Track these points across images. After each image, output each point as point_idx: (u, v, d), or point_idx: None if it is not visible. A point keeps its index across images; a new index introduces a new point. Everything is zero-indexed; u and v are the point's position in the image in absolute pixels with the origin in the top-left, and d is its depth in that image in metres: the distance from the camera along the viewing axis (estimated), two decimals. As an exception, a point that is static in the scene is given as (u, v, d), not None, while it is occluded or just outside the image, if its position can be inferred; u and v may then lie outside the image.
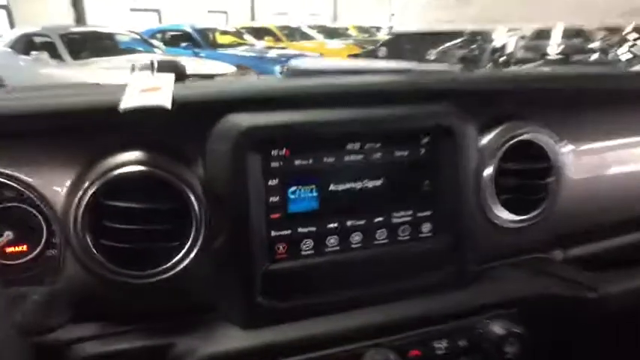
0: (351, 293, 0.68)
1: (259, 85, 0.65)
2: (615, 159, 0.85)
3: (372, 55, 7.05)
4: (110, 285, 0.59)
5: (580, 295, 0.75)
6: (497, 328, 0.68)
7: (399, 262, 0.70)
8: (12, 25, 10.06)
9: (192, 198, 0.60)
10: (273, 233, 0.64)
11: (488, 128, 0.74)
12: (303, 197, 0.65)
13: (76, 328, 0.61)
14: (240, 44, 8.97)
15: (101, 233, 0.58)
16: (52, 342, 0.59)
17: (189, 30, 8.85)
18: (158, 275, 0.60)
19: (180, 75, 0.64)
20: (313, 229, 0.66)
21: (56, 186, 0.59)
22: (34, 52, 6.01)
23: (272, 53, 7.97)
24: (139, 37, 7.35)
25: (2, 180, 0.57)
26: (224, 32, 9.51)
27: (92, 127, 0.60)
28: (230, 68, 6.24)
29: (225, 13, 15.88)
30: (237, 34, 9.68)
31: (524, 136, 0.73)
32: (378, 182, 0.68)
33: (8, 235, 0.59)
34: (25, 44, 6.46)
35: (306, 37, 12.06)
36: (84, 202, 0.57)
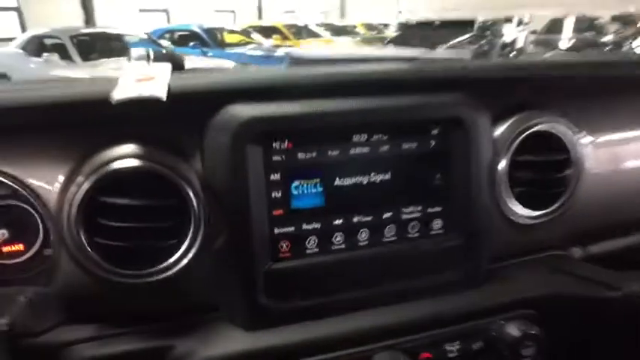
0: (358, 293, 0.65)
1: (260, 75, 0.62)
2: (637, 151, 0.81)
3: (379, 51, 7.01)
4: (106, 285, 0.57)
5: (601, 294, 0.71)
6: (513, 330, 0.65)
7: (409, 260, 0.67)
8: (23, 26, 10.18)
9: (191, 193, 0.57)
10: (275, 230, 0.61)
11: (502, 118, 0.71)
12: (306, 192, 0.62)
13: (71, 330, 0.59)
14: (247, 43, 9.01)
15: (96, 231, 0.55)
16: (46, 344, 0.57)
17: (197, 30, 8.91)
18: (156, 275, 0.57)
19: (178, 66, 0.61)
20: (318, 226, 0.63)
21: (49, 182, 0.56)
22: (45, 54, 6.07)
23: (280, 52, 7.96)
24: (147, 37, 7.39)
25: None
26: (232, 31, 9.55)
27: (85, 120, 0.57)
28: (237, 67, 6.26)
29: (233, 12, 15.91)
30: (245, 33, 9.70)
31: (541, 127, 0.70)
32: (386, 176, 0.64)
33: (3, 233, 0.57)
34: (36, 46, 6.54)
35: (313, 35, 12.05)
36: (78, 199, 0.54)
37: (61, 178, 0.56)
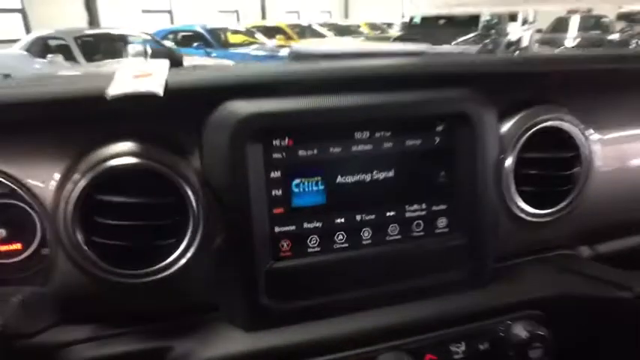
0: (361, 293, 0.64)
1: (260, 71, 0.61)
2: None
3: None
4: (103, 285, 0.56)
5: (612, 294, 0.70)
6: (520, 331, 0.64)
7: (413, 259, 0.66)
8: (27, 28, 10.23)
9: (189, 192, 0.56)
10: (276, 229, 0.60)
11: (509, 114, 0.69)
12: (308, 190, 0.60)
13: (69, 331, 0.58)
14: (251, 43, 9.01)
15: (93, 230, 0.54)
16: (43, 344, 0.56)
17: (201, 30, 8.92)
18: (154, 274, 0.56)
19: (176, 62, 0.60)
20: (319, 224, 0.62)
21: (45, 180, 0.55)
22: (49, 55, 6.10)
23: (283, 52, 7.96)
24: (150, 38, 7.41)
25: None
26: (235, 31, 9.55)
27: (82, 117, 0.56)
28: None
29: (236, 12, 15.93)
30: (249, 33, 9.71)
31: (549, 123, 0.68)
32: (389, 174, 0.63)
33: (1, 232, 0.56)
34: (41, 47, 6.57)
35: (317, 35, 12.05)
36: (74, 196, 0.53)
37: (57, 176, 0.55)
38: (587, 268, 0.75)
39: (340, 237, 0.63)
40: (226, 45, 8.79)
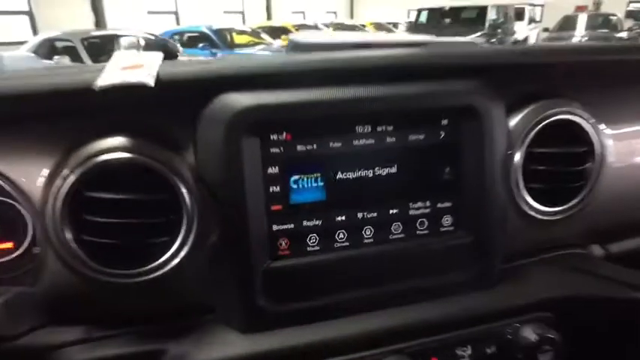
0: (362, 294, 0.62)
1: (257, 62, 0.59)
2: None
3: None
4: (93, 285, 0.54)
5: (625, 295, 0.67)
6: (529, 333, 0.62)
7: (417, 259, 0.64)
8: (35, 30, 10.30)
9: (183, 188, 0.54)
10: (274, 227, 0.58)
11: (518, 108, 0.67)
12: (307, 187, 0.58)
13: (59, 332, 0.57)
14: (257, 44, 9.04)
15: (83, 228, 0.53)
16: (32, 347, 0.55)
17: (206, 31, 8.95)
18: (146, 274, 0.54)
19: (171, 55, 0.58)
20: (319, 222, 0.60)
21: (33, 176, 0.54)
22: (56, 57, 6.15)
23: (288, 52, 7.94)
24: (154, 39, 7.44)
25: None
26: (241, 32, 9.58)
27: (71, 110, 0.54)
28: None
29: (242, 13, 15.96)
30: (254, 33, 9.74)
31: (560, 117, 0.65)
32: (392, 170, 0.61)
33: None
34: (48, 49, 6.64)
35: (322, 35, 11.99)
36: (63, 193, 0.51)
37: (46, 172, 0.54)
38: (599, 268, 0.73)
39: (341, 235, 0.61)
40: (232, 46, 8.82)
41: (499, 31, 9.30)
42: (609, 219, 0.76)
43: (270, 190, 0.57)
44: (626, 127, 0.74)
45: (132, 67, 0.51)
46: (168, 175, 0.53)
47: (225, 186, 0.55)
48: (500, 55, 0.68)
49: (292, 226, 0.59)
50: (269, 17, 16.34)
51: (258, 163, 0.55)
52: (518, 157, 0.65)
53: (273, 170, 0.57)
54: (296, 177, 0.58)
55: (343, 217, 0.60)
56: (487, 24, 9.07)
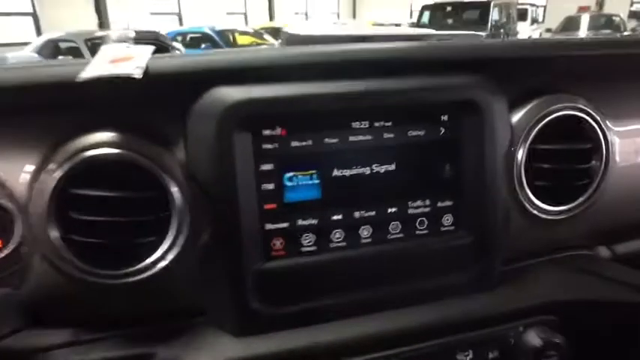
0: (359, 296, 0.60)
1: (250, 55, 0.57)
2: None
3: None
4: (80, 285, 0.52)
5: (632, 298, 0.65)
6: (533, 338, 0.60)
7: (416, 259, 0.62)
8: (39, 31, 10.33)
9: (173, 186, 0.52)
10: (267, 226, 0.56)
11: (520, 103, 0.65)
12: (301, 184, 0.56)
13: (45, 335, 0.55)
14: (259, 44, 9.04)
15: (69, 226, 0.51)
16: (17, 349, 0.53)
17: (209, 32, 8.97)
18: (134, 275, 0.53)
19: (163, 49, 0.56)
20: (315, 221, 0.57)
21: (18, 172, 0.52)
22: (60, 58, 6.17)
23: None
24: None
25: None
26: (243, 33, 9.59)
27: (57, 104, 0.53)
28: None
29: (244, 14, 15.98)
30: (257, 34, 9.74)
31: (564, 112, 0.63)
32: (391, 167, 0.59)
33: None
34: (51, 49, 6.68)
35: (325, 36, 12.01)
36: (49, 189, 0.50)
37: (32, 168, 0.52)
38: (605, 269, 0.71)
39: (337, 235, 0.59)
40: (234, 46, 8.84)
41: (502, 31, 9.27)
42: (616, 219, 0.74)
43: (264, 187, 0.55)
44: (633, 124, 0.72)
45: (120, 60, 0.49)
46: (157, 172, 0.52)
47: (217, 183, 0.53)
48: (503, 48, 0.66)
49: (287, 225, 0.57)
50: (271, 18, 16.34)
51: (250, 159, 0.53)
52: (521, 153, 0.63)
53: (266, 167, 0.55)
54: (290, 174, 0.56)
55: (340, 216, 0.58)
56: (490, 24, 9.03)
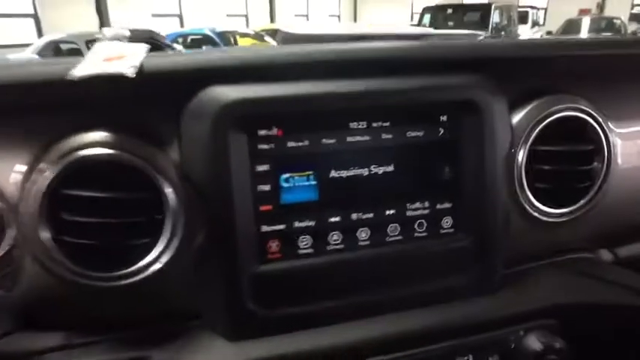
0: (357, 300, 0.59)
1: (246, 54, 0.56)
2: None
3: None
4: (72, 288, 0.51)
5: (634, 302, 0.64)
6: (533, 342, 0.59)
7: (415, 262, 0.61)
8: (40, 32, 10.35)
9: (167, 186, 0.51)
10: (263, 228, 0.55)
11: (521, 104, 0.64)
12: (298, 186, 0.55)
13: (36, 338, 0.54)
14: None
15: (61, 228, 0.50)
16: (10, 352, 0.52)
17: (210, 33, 8.98)
18: (127, 277, 0.52)
19: (157, 47, 0.55)
20: (312, 223, 0.56)
21: (9, 172, 0.51)
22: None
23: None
24: (158, 41, 7.47)
25: None
26: (244, 35, 9.59)
27: (49, 103, 0.52)
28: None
29: (245, 16, 16.00)
30: (258, 36, 9.73)
31: (565, 113, 0.62)
32: (389, 169, 0.58)
33: None
34: (52, 51, 6.70)
35: (325, 38, 12.02)
36: (40, 189, 0.49)
37: (23, 168, 0.51)
38: (607, 273, 0.70)
39: (335, 237, 0.58)
40: (235, 48, 8.86)
41: (502, 34, 9.28)
42: (618, 221, 0.73)
43: (259, 189, 0.54)
44: (635, 126, 0.71)
45: (113, 59, 0.48)
46: (151, 173, 0.51)
47: (211, 184, 0.52)
48: (503, 48, 0.65)
49: (283, 227, 0.56)
50: (272, 20, 16.37)
51: (246, 160, 0.53)
52: (521, 155, 0.62)
53: (262, 168, 0.54)
54: (287, 175, 0.55)
55: (337, 218, 0.57)
56: (490, 27, 9.06)
